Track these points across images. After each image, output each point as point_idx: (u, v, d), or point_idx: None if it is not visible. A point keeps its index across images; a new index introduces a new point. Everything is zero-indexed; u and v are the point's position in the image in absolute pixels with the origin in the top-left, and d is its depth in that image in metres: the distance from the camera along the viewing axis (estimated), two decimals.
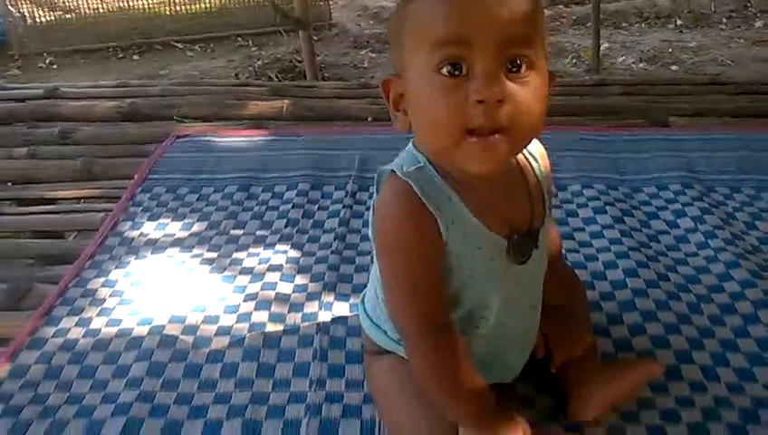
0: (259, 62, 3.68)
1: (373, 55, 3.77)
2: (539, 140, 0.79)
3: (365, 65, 3.63)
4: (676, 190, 1.34)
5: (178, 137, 1.59)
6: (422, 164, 0.73)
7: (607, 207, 1.28)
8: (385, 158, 0.80)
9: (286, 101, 1.78)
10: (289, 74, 3.51)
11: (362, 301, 0.91)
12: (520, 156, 0.78)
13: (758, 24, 3.97)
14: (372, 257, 0.95)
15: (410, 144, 0.77)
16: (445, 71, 0.65)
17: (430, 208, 0.71)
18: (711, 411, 0.86)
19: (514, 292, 0.78)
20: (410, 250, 0.72)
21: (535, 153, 0.81)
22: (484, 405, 0.75)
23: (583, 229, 1.23)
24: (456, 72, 0.65)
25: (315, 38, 3.60)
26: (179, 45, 4.02)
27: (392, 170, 0.74)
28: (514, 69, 0.65)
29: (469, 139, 0.65)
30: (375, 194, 0.78)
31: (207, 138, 1.59)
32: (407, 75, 0.69)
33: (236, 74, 3.58)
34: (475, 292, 0.76)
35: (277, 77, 3.47)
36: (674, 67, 3.53)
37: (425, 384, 0.76)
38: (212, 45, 4.05)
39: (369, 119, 1.74)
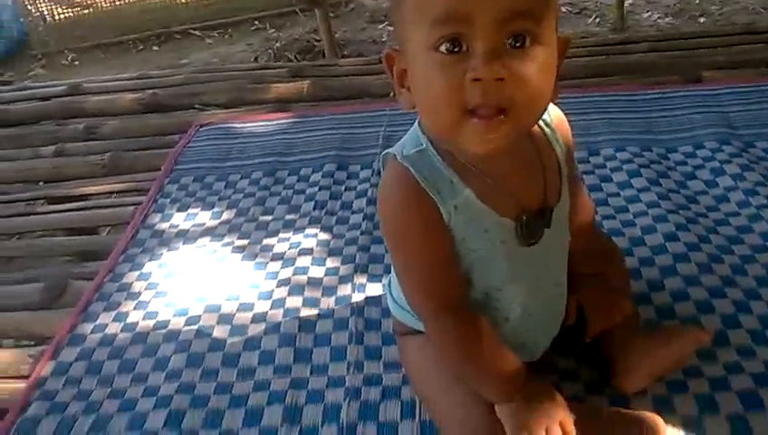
0: (278, 44, 3.65)
1: (391, 29, 3.72)
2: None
3: (384, 39, 3.58)
4: (712, 148, 1.29)
5: (202, 126, 1.59)
6: (424, 147, 0.71)
7: (642, 170, 1.24)
8: None
9: (306, 82, 1.76)
10: (308, 54, 3.48)
11: (388, 283, 0.90)
12: (533, 127, 0.73)
13: None
14: None
15: (416, 123, 0.74)
16: (443, 48, 0.61)
17: (430, 194, 0.69)
18: (762, 377, 0.83)
19: (530, 272, 0.75)
20: (414, 236, 0.71)
21: (551, 121, 0.76)
22: (516, 381, 0.73)
23: (618, 194, 1.20)
24: (456, 49, 0.61)
25: (332, 15, 3.56)
26: (198, 33, 4.02)
27: (394, 154, 0.72)
28: (518, 44, 0.61)
29: (471, 119, 0.62)
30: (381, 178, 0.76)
31: (230, 125, 1.59)
32: (407, 51, 0.66)
33: (256, 58, 3.56)
34: (486, 274, 0.74)
35: (296, 58, 3.45)
36: (702, 19, 3.41)
37: (452, 366, 0.75)
38: (230, 30, 4.03)
39: (392, 94, 1.71)
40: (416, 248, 0.71)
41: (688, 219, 1.11)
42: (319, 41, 3.29)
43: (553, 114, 0.77)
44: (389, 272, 0.90)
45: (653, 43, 1.82)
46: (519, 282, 0.75)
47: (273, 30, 3.93)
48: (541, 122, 0.75)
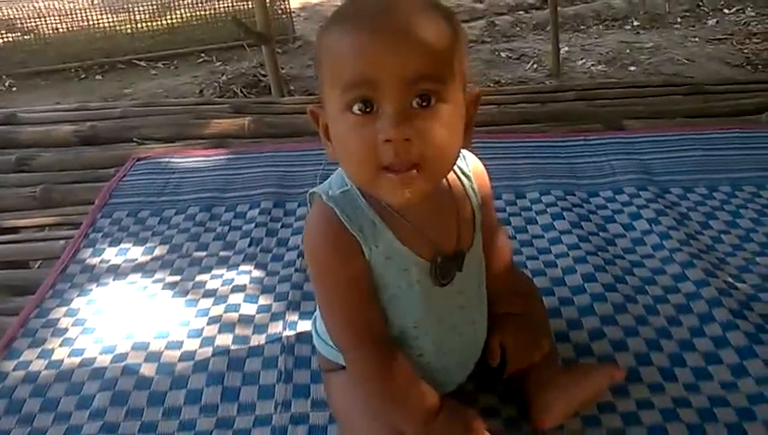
0: (223, 78, 3.66)
1: None
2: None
3: None
4: (631, 193, 1.36)
5: (139, 159, 1.58)
6: (348, 187, 0.75)
7: (564, 213, 1.30)
8: None
9: (248, 119, 1.78)
10: (254, 89, 3.50)
11: (314, 321, 0.93)
12: (451, 175, 0.79)
13: (711, 22, 4.07)
14: None
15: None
16: (356, 109, 0.66)
17: (352, 232, 0.73)
18: (670, 412, 0.88)
19: (444, 312, 0.79)
20: (337, 271, 0.75)
21: (469, 171, 0.82)
22: (433, 414, 0.76)
23: (542, 236, 1.25)
24: (368, 110, 0.65)
25: (279, 51, 3.60)
26: (142, 63, 3.99)
27: (320, 194, 0.76)
28: (424, 103, 0.65)
29: (386, 174, 0.66)
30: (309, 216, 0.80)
31: (168, 159, 1.59)
32: (326, 109, 0.71)
33: (201, 91, 3.56)
34: (401, 312, 0.78)
35: (242, 92, 3.46)
36: (632, 68, 3.60)
37: (368, 397, 0.79)
38: (175, 62, 4.02)
39: None
40: (338, 283, 0.75)
41: (606, 261, 1.17)
42: (265, 76, 3.31)
43: (473, 165, 0.82)
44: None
45: (580, 92, 1.93)
46: (433, 321, 0.79)
47: (219, 63, 3.94)
48: (459, 172, 0.80)
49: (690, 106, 1.80)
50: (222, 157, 1.60)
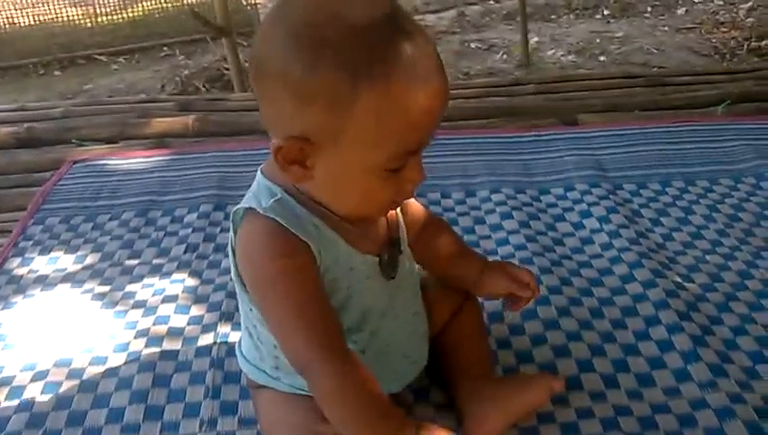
0: (186, 72, 3.58)
1: None
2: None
3: None
4: (582, 190, 1.33)
5: (75, 162, 1.52)
6: (279, 196, 0.71)
7: (514, 212, 1.27)
8: None
9: (192, 117, 1.72)
10: (217, 83, 3.44)
11: (238, 345, 0.88)
12: None
13: (680, 11, 4.07)
14: None
15: (259, 174, 0.75)
16: (395, 167, 0.68)
17: (302, 238, 0.69)
18: (610, 421, 0.85)
19: (393, 304, 0.79)
20: (291, 282, 0.70)
21: None
22: (402, 418, 0.72)
23: (490, 237, 1.22)
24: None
25: (244, 44, 3.53)
26: (103, 58, 3.89)
27: (250, 208, 0.71)
28: None
29: (391, 205, 0.75)
30: (232, 236, 0.74)
31: (105, 161, 1.52)
32: (337, 151, 0.66)
33: (162, 86, 3.48)
34: (354, 310, 0.75)
35: (204, 87, 3.39)
36: (602, 58, 3.59)
37: (339, 412, 0.71)
38: (137, 56, 3.93)
39: None
40: (294, 294, 0.70)
41: (553, 262, 1.13)
42: (228, 70, 3.24)
43: None
44: None
45: (538, 86, 1.89)
46: (380, 317, 0.77)
47: (182, 57, 3.86)
48: None
49: (648, 98, 1.77)
50: (162, 158, 1.53)
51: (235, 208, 0.74)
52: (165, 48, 3.95)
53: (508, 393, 0.83)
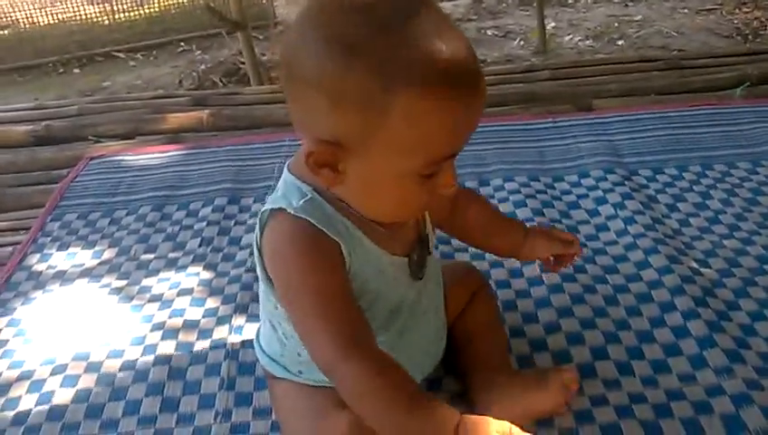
0: (203, 67, 3.60)
1: None
2: None
3: None
4: (597, 176, 1.32)
5: (92, 159, 1.54)
6: (310, 196, 0.70)
7: (527, 200, 1.26)
8: None
9: (206, 112, 1.73)
10: (233, 77, 3.45)
11: (257, 338, 0.88)
12: None
13: None
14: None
15: (286, 172, 0.73)
16: (428, 173, 0.67)
17: (334, 238, 0.69)
18: (625, 409, 0.84)
19: (419, 301, 0.79)
20: (322, 280, 0.69)
21: None
22: (444, 408, 0.67)
23: None
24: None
25: (260, 37, 3.53)
26: (121, 55, 3.93)
27: (280, 208, 0.70)
28: None
29: (424, 209, 0.76)
30: (258, 235, 0.73)
31: (122, 157, 1.54)
32: (370, 156, 0.64)
33: (180, 81, 3.50)
34: (382, 310, 0.75)
35: (221, 81, 3.41)
36: (620, 42, 3.53)
37: (375, 409, 0.67)
38: (154, 52, 3.96)
39: None
40: (324, 292, 0.69)
41: None
42: (244, 63, 3.25)
43: None
44: None
45: (553, 71, 1.87)
46: (410, 314, 0.78)
47: (199, 52, 3.88)
48: None
49: (665, 82, 1.74)
50: (178, 153, 1.55)
51: (263, 209, 0.73)
52: (181, 43, 3.97)
53: (523, 389, 0.82)
